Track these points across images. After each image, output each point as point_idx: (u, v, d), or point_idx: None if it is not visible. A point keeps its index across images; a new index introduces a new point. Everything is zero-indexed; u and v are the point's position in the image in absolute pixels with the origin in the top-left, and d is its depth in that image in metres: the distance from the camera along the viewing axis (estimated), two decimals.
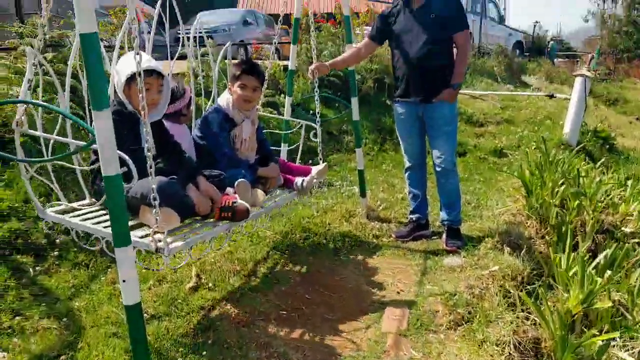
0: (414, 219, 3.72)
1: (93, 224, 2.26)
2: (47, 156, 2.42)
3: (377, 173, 5.50)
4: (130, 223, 2.18)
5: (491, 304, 2.58)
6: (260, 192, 2.81)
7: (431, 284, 2.96)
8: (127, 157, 1.89)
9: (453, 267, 3.09)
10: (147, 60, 2.32)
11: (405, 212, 3.97)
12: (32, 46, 4.32)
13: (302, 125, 3.77)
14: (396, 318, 2.58)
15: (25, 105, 2.14)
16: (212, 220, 2.45)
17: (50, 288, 2.68)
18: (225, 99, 3.03)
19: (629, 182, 4.24)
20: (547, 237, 3.71)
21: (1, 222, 2.92)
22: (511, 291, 2.69)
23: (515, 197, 4.23)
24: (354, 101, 3.94)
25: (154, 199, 1.94)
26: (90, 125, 1.83)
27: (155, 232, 2.00)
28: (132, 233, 1.96)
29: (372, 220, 4.01)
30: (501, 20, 16.45)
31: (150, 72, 2.32)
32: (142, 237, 2.12)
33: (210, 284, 2.88)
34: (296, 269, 3.19)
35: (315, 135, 3.62)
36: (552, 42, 19.58)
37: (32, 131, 2.30)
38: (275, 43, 4.02)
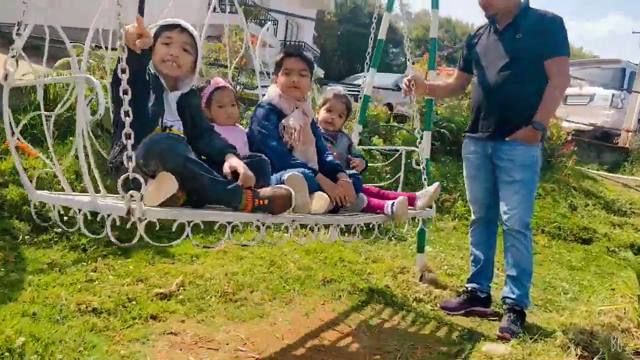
0: (468, 289, 2.91)
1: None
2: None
3: (459, 230, 4.66)
4: None
5: None
6: (323, 196, 2.13)
7: None
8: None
9: (491, 355, 2.24)
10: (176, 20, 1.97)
11: None
12: None
13: (400, 153, 3.31)
14: None
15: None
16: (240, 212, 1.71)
17: (25, 258, 2.53)
18: (269, 91, 2.53)
19: None
20: None
21: (18, 187, 2.92)
22: None
23: (630, 296, 3.11)
24: (426, 135, 3.35)
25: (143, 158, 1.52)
26: None
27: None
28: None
29: (425, 282, 3.26)
30: None
31: (173, 27, 1.92)
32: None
33: (182, 297, 2.48)
34: (294, 310, 2.63)
35: (417, 162, 3.01)
36: None
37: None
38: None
